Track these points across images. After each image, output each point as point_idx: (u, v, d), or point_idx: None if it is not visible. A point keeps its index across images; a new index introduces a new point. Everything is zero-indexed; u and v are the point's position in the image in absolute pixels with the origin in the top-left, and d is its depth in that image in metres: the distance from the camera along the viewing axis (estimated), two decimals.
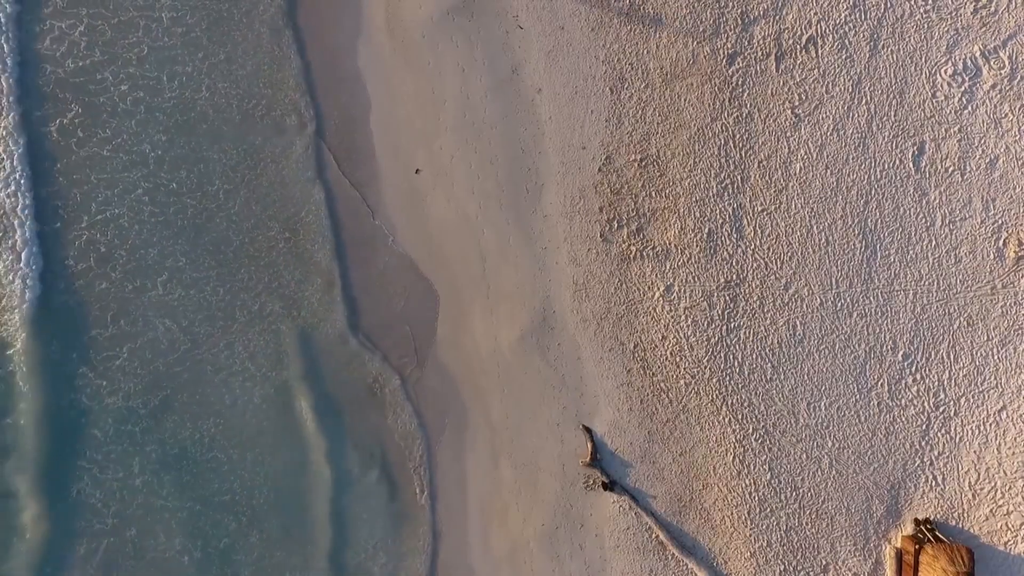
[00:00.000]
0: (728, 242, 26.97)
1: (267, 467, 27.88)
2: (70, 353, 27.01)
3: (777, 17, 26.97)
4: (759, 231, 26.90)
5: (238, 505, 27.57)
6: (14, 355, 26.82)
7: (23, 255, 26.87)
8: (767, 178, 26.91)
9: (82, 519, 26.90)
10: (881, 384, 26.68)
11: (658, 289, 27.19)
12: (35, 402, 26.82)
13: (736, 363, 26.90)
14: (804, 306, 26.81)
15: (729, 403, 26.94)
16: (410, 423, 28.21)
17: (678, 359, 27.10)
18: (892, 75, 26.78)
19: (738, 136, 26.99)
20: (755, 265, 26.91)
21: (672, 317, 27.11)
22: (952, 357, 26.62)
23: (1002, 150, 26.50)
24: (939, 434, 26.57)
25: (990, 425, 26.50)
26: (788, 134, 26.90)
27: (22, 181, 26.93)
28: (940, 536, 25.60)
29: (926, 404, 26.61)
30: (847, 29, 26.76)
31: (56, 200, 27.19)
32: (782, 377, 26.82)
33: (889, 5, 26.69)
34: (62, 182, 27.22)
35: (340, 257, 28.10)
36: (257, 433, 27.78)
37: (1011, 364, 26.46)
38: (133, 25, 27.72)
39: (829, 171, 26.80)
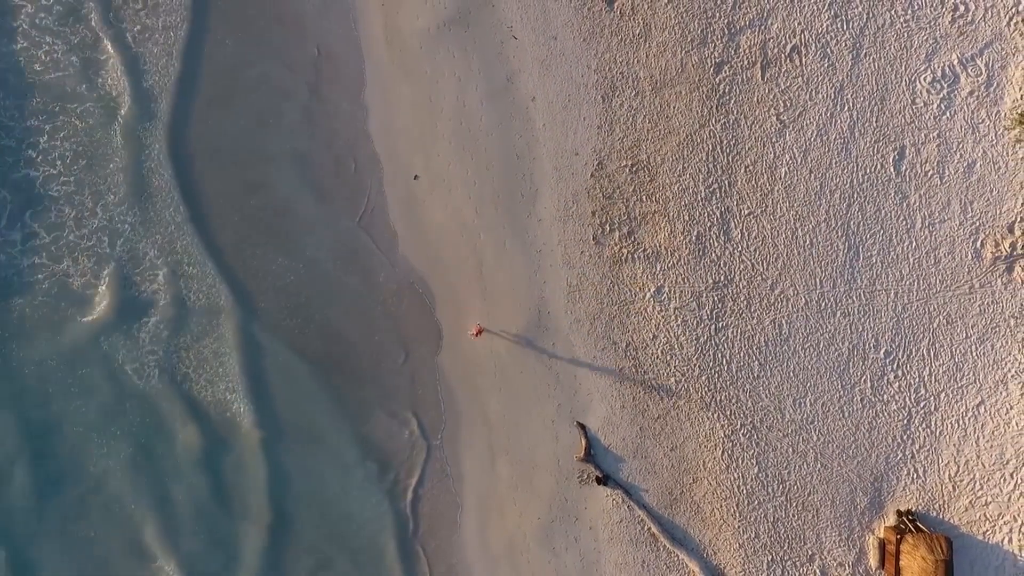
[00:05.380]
0: (716, 244, 27.86)
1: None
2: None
3: (762, 27, 27.81)
4: (746, 234, 27.78)
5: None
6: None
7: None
8: (753, 182, 27.78)
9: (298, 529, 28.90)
10: (864, 380, 27.57)
11: (649, 290, 28.05)
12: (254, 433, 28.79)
13: (724, 361, 27.79)
14: (789, 306, 27.70)
15: (718, 400, 27.82)
16: (408, 423, 29.06)
17: (668, 357, 27.97)
18: (873, 82, 27.63)
19: (725, 142, 27.85)
20: (742, 266, 27.80)
21: (662, 317, 27.98)
22: (932, 354, 27.52)
23: (979, 154, 27.37)
24: (920, 428, 27.48)
25: (969, 419, 27.40)
26: (773, 140, 27.76)
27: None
28: (920, 526, 26.51)
29: (907, 400, 27.52)
30: (830, 38, 27.63)
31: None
32: (768, 374, 27.71)
33: (870, 15, 27.53)
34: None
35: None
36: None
37: (989, 360, 27.36)
38: None
39: (813, 175, 27.69)
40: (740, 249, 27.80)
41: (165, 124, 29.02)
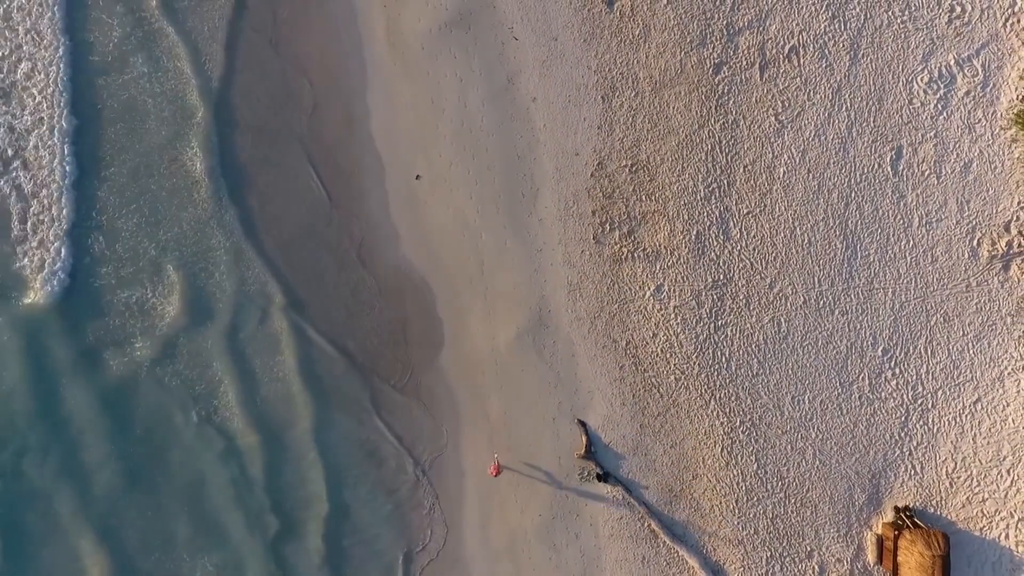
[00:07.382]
0: (715, 243, 28.11)
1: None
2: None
3: (761, 28, 28.07)
4: (745, 233, 28.04)
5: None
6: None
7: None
8: (752, 182, 28.04)
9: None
10: (862, 378, 27.84)
11: (649, 289, 28.31)
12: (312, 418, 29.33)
13: (723, 359, 28.05)
14: (788, 304, 27.96)
15: (717, 397, 28.08)
16: (411, 421, 29.27)
17: (668, 356, 28.23)
18: (871, 83, 27.89)
19: (724, 142, 28.11)
20: (741, 265, 28.06)
21: (662, 315, 28.24)
22: (929, 352, 27.78)
23: (975, 154, 27.64)
24: (917, 425, 27.74)
25: (966, 416, 27.66)
26: (772, 140, 28.02)
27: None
28: (918, 522, 26.76)
29: (905, 397, 27.78)
30: (827, 39, 27.88)
31: None
32: (767, 372, 27.97)
33: (867, 16, 27.81)
34: None
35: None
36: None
37: (985, 358, 27.62)
38: None
39: (811, 175, 27.95)
40: (739, 248, 28.06)
41: (215, 121, 29.54)
